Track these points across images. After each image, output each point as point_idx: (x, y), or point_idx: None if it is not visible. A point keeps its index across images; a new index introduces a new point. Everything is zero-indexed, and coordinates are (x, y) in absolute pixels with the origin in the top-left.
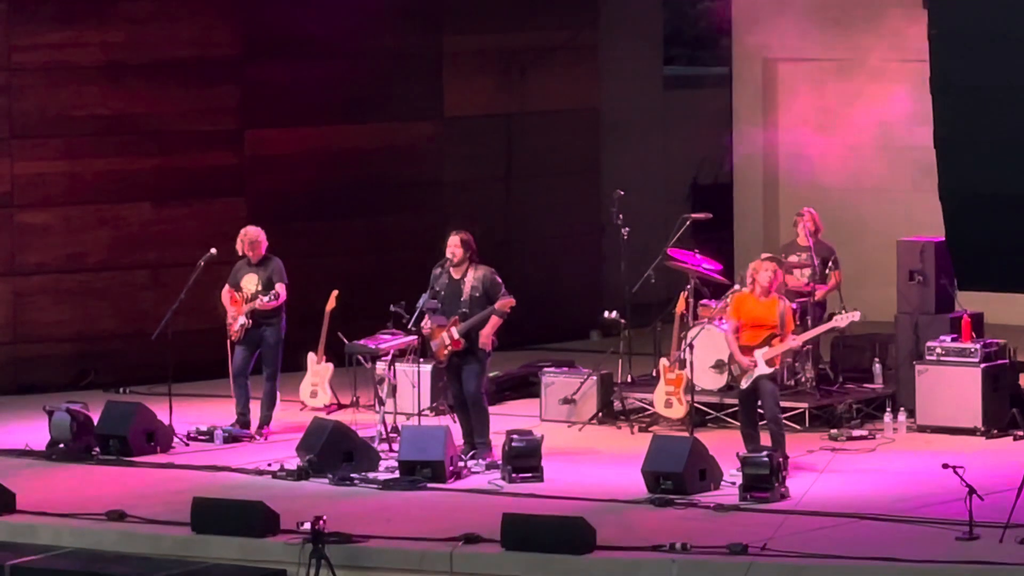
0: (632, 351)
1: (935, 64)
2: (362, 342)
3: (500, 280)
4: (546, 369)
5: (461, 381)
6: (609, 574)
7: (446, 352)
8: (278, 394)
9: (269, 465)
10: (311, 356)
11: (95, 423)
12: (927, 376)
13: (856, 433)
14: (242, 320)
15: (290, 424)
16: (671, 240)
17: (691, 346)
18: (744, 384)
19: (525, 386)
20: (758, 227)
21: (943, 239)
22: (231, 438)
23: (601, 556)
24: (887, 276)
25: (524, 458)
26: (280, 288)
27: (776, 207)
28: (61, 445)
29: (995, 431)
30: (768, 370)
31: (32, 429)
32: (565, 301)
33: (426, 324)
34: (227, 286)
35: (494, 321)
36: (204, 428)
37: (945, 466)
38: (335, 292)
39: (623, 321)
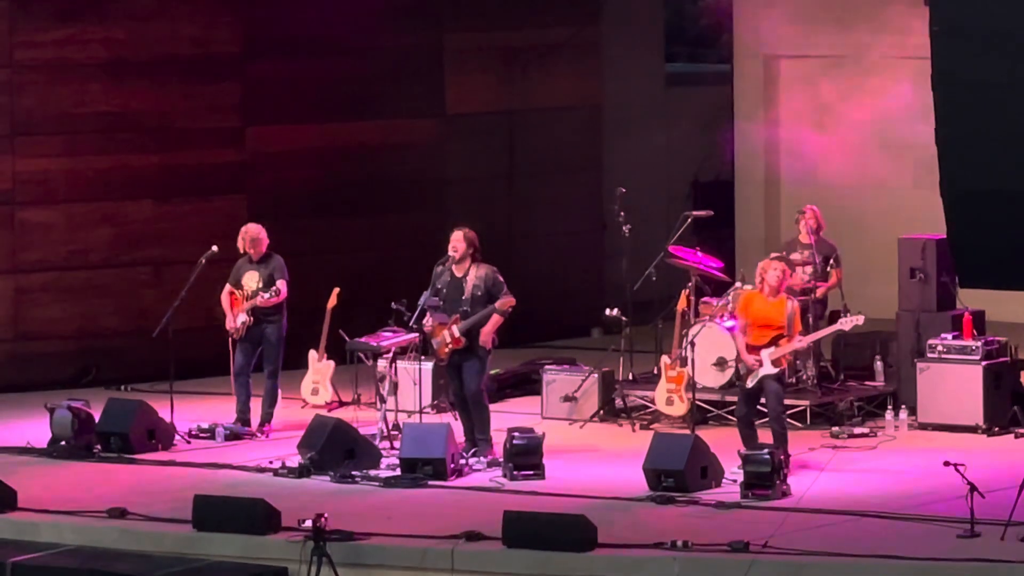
0: (633, 349)
1: (937, 60)
2: (363, 339)
3: (502, 279)
4: (547, 367)
5: (462, 379)
6: (610, 572)
7: (447, 350)
8: (279, 392)
9: (270, 463)
10: (312, 353)
11: (96, 420)
12: (928, 374)
13: (857, 431)
14: (243, 317)
15: (291, 422)
16: (672, 237)
17: (692, 344)
18: (750, 384)
19: (526, 383)
20: (759, 224)
21: (944, 236)
22: (232, 436)
23: (602, 554)
24: (888, 273)
25: (525, 456)
26: (281, 285)
27: (777, 204)
28: (62, 442)
29: (996, 429)
30: (774, 370)
31: (33, 426)
32: (566, 298)
33: (427, 322)
34: (227, 287)
35: (495, 319)
36: (205, 425)
37: (946, 464)
38: (336, 289)
39: (624, 318)
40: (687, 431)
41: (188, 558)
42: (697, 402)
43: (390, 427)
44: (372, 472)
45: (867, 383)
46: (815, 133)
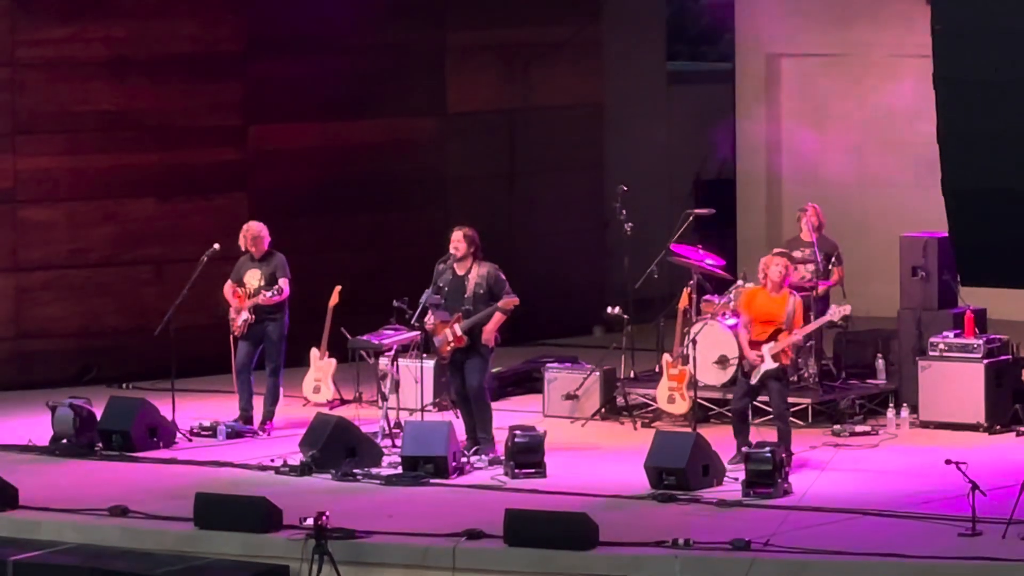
0: (635, 347)
1: (938, 59)
2: (365, 337)
3: (504, 278)
4: (549, 365)
5: (464, 377)
6: (612, 570)
7: (449, 348)
8: (281, 390)
9: (272, 461)
10: (314, 351)
11: (98, 418)
12: (930, 372)
13: (859, 429)
14: (245, 315)
15: (293, 420)
16: (674, 235)
17: (694, 342)
18: (754, 380)
19: (528, 382)
20: (761, 222)
21: (946, 235)
22: (234, 434)
23: (604, 552)
24: (890, 272)
25: (527, 454)
26: (283, 283)
27: (779, 202)
28: (64, 440)
29: (998, 427)
30: (774, 365)
31: (35, 424)
32: (568, 296)
33: (429, 320)
34: (229, 281)
35: (497, 317)
36: (207, 424)
37: (948, 462)
38: (338, 288)
39: (626, 317)
40: (689, 429)
41: (189, 556)
42: (699, 400)
43: (392, 425)
44: (374, 470)
45: (869, 381)
46: (816, 131)
